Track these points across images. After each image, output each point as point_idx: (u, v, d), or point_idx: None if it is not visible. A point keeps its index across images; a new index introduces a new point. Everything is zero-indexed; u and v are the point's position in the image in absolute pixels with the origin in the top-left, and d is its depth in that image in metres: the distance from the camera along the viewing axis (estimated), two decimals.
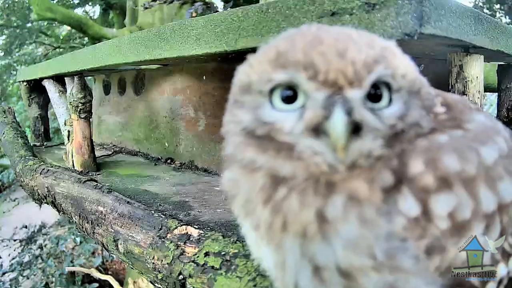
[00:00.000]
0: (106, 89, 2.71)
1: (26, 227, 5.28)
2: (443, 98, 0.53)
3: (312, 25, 0.48)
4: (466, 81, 1.00)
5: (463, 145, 0.47)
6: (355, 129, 0.41)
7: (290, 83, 0.43)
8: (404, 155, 0.44)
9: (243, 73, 0.48)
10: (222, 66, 1.67)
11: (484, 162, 0.47)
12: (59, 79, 2.18)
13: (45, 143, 2.79)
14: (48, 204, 1.53)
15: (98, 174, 1.81)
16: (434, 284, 0.43)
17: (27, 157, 1.87)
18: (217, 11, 4.83)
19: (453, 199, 0.44)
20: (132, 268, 1.03)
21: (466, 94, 1.00)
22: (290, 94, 0.44)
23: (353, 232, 0.42)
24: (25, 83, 2.78)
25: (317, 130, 0.42)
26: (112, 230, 1.06)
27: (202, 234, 0.86)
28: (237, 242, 0.79)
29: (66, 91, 2.02)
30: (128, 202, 1.11)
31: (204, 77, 1.78)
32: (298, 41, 0.44)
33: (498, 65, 1.44)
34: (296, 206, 0.43)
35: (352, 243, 0.42)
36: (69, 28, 8.88)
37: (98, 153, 2.06)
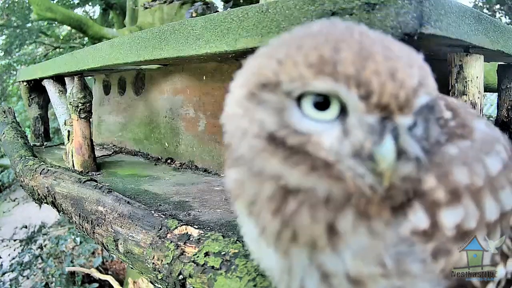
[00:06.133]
0: (106, 89, 2.71)
1: (26, 227, 5.28)
2: (446, 101, 0.53)
3: (349, 24, 0.44)
4: (466, 81, 1.00)
5: (471, 157, 0.47)
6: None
7: (331, 95, 0.40)
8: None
9: (267, 69, 0.43)
10: (222, 66, 1.67)
11: (490, 172, 0.47)
12: (59, 79, 2.18)
13: (45, 143, 2.79)
14: (48, 204, 1.53)
15: (98, 174, 1.81)
16: (439, 286, 0.44)
17: (27, 157, 1.87)
18: (217, 11, 4.83)
19: (462, 211, 0.44)
20: (132, 268, 1.03)
21: (466, 94, 1.00)
22: (322, 101, 0.41)
23: (363, 243, 0.41)
24: (25, 83, 2.78)
25: (359, 153, 0.40)
26: (112, 230, 1.06)
27: (202, 234, 0.86)
28: (237, 242, 0.79)
29: (66, 91, 2.02)
30: (128, 202, 1.11)
31: (204, 77, 1.78)
32: (344, 49, 0.40)
33: (498, 65, 1.44)
34: (307, 221, 0.42)
35: (361, 253, 0.42)
36: (69, 28, 8.88)
37: (98, 153, 2.06)
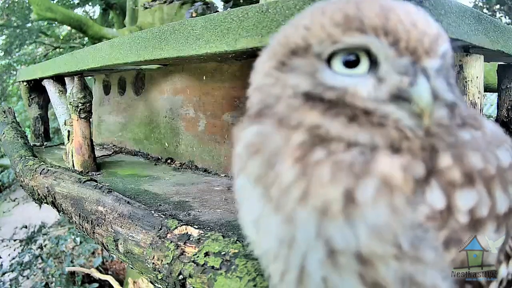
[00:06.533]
0: (106, 89, 2.71)
1: (26, 227, 5.28)
2: None
3: None
4: (466, 81, 1.00)
5: (483, 146, 0.47)
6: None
7: (361, 47, 0.43)
8: (434, 147, 0.44)
9: (295, 36, 0.45)
10: (222, 66, 1.67)
11: (501, 164, 0.47)
12: (59, 79, 2.19)
13: (45, 143, 2.80)
14: (48, 204, 1.53)
15: (98, 174, 1.81)
16: (449, 277, 0.43)
17: (27, 157, 1.87)
18: (217, 11, 4.83)
19: (475, 196, 0.44)
20: (132, 268, 1.03)
21: (466, 94, 1.00)
22: (354, 59, 0.43)
23: (382, 218, 0.40)
24: (25, 83, 2.78)
25: (397, 97, 0.42)
26: (112, 230, 1.06)
27: (202, 234, 0.86)
28: (237, 242, 0.79)
29: (66, 91, 2.02)
30: (128, 202, 1.11)
31: (204, 77, 1.78)
32: (366, 7, 0.43)
33: (498, 65, 1.44)
34: (326, 177, 0.41)
35: (378, 229, 0.40)
36: (69, 28, 8.88)
37: (98, 153, 2.06)
